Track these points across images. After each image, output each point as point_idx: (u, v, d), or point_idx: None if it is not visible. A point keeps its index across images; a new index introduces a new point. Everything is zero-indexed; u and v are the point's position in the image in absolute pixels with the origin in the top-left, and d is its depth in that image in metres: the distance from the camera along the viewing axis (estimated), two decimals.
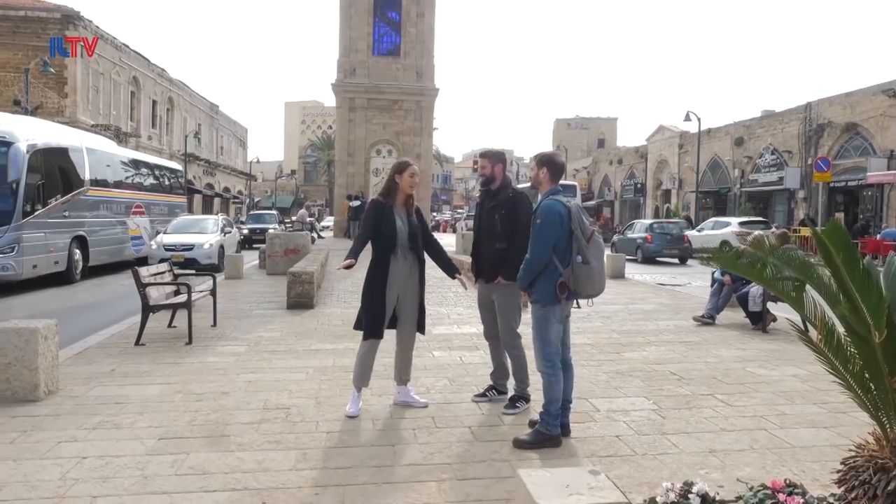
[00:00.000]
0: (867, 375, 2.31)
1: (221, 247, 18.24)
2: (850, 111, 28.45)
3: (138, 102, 37.33)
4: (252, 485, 3.60)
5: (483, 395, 5.30)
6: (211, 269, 14.30)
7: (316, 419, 4.75)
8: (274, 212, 38.86)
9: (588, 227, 4.34)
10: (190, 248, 17.25)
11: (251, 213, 40.20)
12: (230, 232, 19.93)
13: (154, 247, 17.52)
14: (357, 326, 4.99)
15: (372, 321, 4.88)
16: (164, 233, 18.67)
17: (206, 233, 18.58)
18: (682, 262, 21.88)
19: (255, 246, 26.01)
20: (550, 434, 4.24)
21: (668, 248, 19.75)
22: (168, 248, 17.12)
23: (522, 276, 4.37)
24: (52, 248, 14.31)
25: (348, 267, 4.76)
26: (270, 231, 24.90)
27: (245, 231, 28.74)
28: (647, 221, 25.14)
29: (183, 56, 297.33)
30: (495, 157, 5.10)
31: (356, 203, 25.23)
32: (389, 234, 4.88)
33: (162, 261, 15.02)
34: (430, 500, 3.45)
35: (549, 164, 4.49)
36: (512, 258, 4.80)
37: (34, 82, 26.53)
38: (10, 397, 5.04)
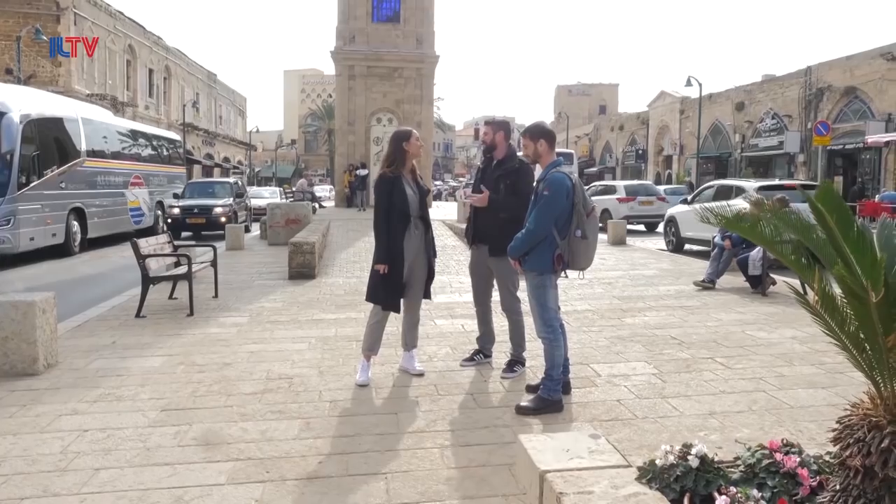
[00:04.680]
0: (862, 336, 2.33)
1: None
2: (850, 75, 28.27)
3: (134, 71, 36.91)
4: (256, 455, 3.62)
5: (471, 358, 5.39)
6: None
7: (319, 388, 4.77)
8: (230, 180, 24.87)
9: (589, 202, 4.33)
10: None
11: (191, 181, 23.83)
12: None
13: None
14: (371, 299, 4.96)
15: (391, 295, 4.86)
16: None
17: None
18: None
19: (202, 234, 18.11)
20: (553, 399, 4.27)
21: None
22: None
23: (518, 246, 4.34)
24: (49, 220, 14.28)
25: (384, 271, 4.77)
26: (219, 210, 19.03)
27: (175, 211, 19.16)
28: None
29: (179, 24, 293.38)
30: (497, 125, 5.09)
31: (364, 172, 25.15)
32: (404, 208, 4.83)
33: None
34: (433, 466, 3.47)
35: (545, 136, 4.45)
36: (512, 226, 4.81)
37: (26, 50, 26.12)
38: (9, 371, 5.03)
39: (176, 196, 20.41)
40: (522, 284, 4.84)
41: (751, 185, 14.15)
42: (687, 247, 14.87)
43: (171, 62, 42.57)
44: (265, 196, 30.00)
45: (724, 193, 14.10)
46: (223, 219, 18.77)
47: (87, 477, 3.35)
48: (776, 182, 15.35)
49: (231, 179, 25.02)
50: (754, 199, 7.31)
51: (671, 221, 15.58)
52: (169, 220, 19.08)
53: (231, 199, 20.49)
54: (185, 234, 19.21)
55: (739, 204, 12.67)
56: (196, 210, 19.17)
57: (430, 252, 5.05)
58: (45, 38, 24.62)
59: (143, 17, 63.19)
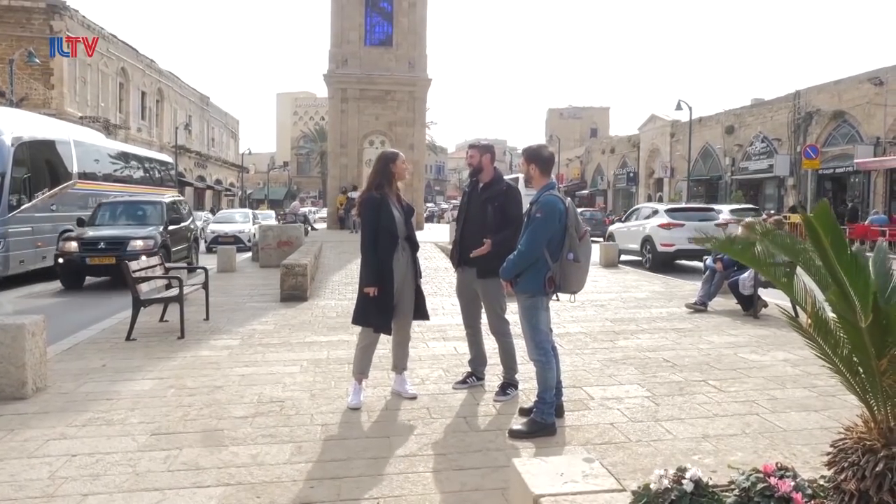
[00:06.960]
0: (855, 359, 2.33)
1: None
2: (838, 99, 28.69)
3: (127, 94, 37.01)
4: (246, 479, 3.58)
5: (463, 381, 5.39)
6: None
7: (311, 412, 4.73)
8: (164, 199, 15.62)
9: (582, 226, 4.36)
10: None
11: (106, 201, 15.70)
12: None
13: None
14: (359, 322, 4.93)
15: (382, 318, 4.83)
16: None
17: None
18: None
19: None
20: (546, 422, 4.25)
21: None
22: None
23: (510, 268, 4.36)
24: (39, 242, 14.20)
25: (374, 294, 4.74)
26: (138, 244, 12.46)
27: (71, 246, 12.62)
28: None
29: (172, 47, 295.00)
30: (482, 148, 5.16)
31: (356, 194, 25.30)
32: (392, 228, 4.83)
33: None
34: (425, 490, 3.44)
35: (537, 160, 4.49)
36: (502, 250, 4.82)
37: (19, 73, 26.17)
38: None
39: (80, 222, 14.19)
40: (511, 307, 4.85)
41: (662, 207, 17.84)
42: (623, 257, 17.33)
43: (164, 85, 42.74)
44: (237, 221, 24.70)
45: (647, 214, 17.76)
46: (144, 257, 11.62)
47: (75, 503, 3.29)
48: (682, 206, 19.75)
49: (166, 199, 15.92)
50: (747, 222, 7.39)
51: (611, 236, 18.75)
52: (60, 261, 12.72)
53: (160, 227, 13.89)
54: (88, 279, 13.30)
55: (654, 221, 16.30)
56: (102, 245, 12.73)
57: (416, 273, 5.05)
58: (38, 61, 24.67)
59: (137, 41, 63.62)
